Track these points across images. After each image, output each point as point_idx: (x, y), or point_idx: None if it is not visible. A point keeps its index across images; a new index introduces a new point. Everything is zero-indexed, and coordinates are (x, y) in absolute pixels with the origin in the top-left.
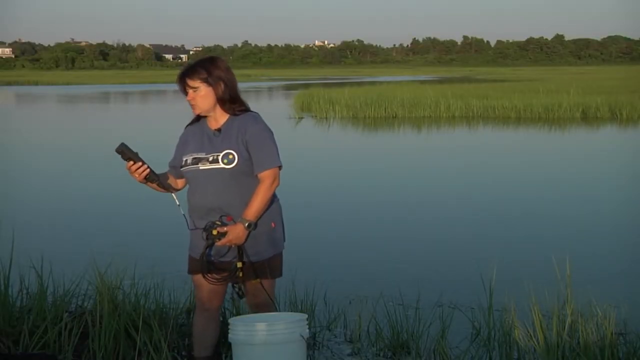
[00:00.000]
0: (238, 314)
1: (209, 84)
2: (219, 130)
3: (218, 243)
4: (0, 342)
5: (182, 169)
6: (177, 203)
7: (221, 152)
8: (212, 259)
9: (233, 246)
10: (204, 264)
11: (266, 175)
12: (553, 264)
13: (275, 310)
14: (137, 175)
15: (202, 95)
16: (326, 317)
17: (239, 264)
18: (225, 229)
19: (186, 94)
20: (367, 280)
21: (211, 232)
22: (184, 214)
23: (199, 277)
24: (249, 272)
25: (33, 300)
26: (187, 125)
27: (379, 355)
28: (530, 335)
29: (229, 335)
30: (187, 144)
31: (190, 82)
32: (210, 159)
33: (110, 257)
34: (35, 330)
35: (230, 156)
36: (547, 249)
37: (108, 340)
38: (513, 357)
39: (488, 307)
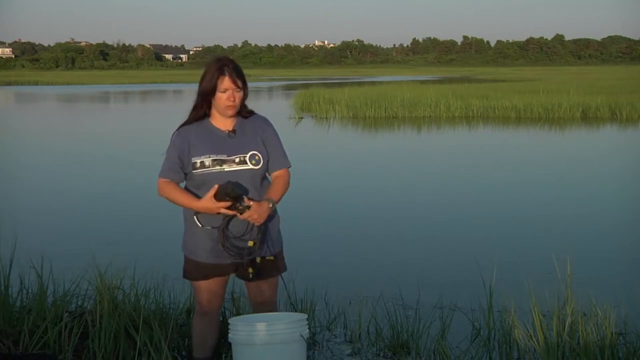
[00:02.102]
0: (238, 314)
1: (244, 87)
2: (233, 131)
3: (240, 216)
4: (0, 342)
5: (196, 172)
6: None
7: (247, 153)
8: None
9: (249, 228)
10: (225, 235)
11: (284, 172)
12: (553, 264)
13: (276, 308)
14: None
15: (241, 96)
16: (326, 317)
17: (251, 243)
18: (250, 202)
19: (215, 90)
20: (367, 280)
21: (241, 201)
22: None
23: (200, 282)
24: (261, 270)
25: (33, 300)
26: (181, 127)
27: (379, 355)
28: (530, 335)
29: (229, 335)
30: (194, 146)
31: (238, 83)
32: (237, 160)
33: (110, 257)
34: (35, 330)
35: (257, 157)
36: (547, 249)
37: (108, 340)
38: (513, 357)
39: (488, 307)
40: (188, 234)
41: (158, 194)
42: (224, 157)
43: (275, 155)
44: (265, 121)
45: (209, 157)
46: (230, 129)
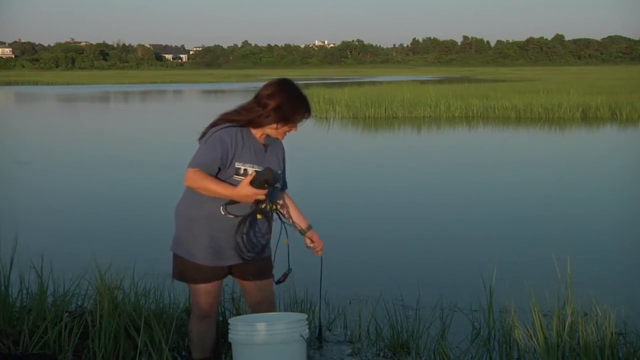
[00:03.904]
0: (238, 314)
1: None
2: (265, 146)
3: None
4: (0, 342)
5: (237, 177)
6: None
7: (277, 170)
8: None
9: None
10: (242, 231)
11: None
12: (553, 264)
13: (275, 305)
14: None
15: None
16: (326, 317)
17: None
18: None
19: (289, 121)
20: (367, 280)
21: (272, 194)
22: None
23: (200, 285)
24: (260, 270)
25: (33, 300)
26: (229, 127)
27: (379, 355)
28: (530, 335)
29: (229, 335)
30: (241, 151)
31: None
32: None
33: (110, 257)
34: (35, 330)
35: (281, 177)
36: (547, 249)
37: (108, 340)
38: (513, 357)
39: (488, 308)
40: (185, 235)
41: (187, 183)
42: (260, 169)
43: (284, 177)
44: (282, 144)
45: (252, 167)
46: (262, 142)
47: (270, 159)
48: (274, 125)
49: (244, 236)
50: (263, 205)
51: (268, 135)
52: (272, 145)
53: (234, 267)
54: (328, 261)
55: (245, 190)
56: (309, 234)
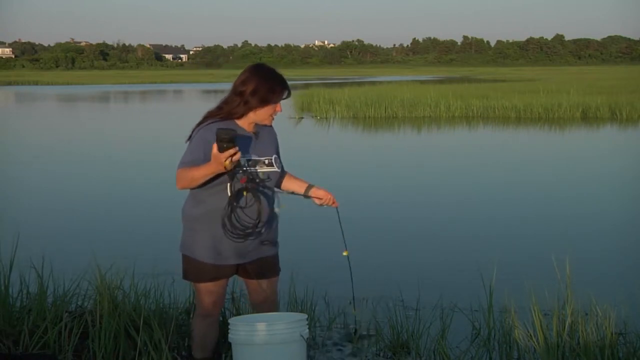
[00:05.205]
0: (238, 314)
1: None
2: (256, 134)
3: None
4: (0, 342)
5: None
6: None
7: (271, 156)
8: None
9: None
10: (232, 210)
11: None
12: (553, 264)
13: (277, 306)
14: (229, 163)
15: None
16: (326, 317)
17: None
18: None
19: (269, 102)
20: (367, 280)
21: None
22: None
23: (203, 284)
24: (261, 270)
25: (33, 300)
26: (210, 123)
27: (379, 355)
28: (530, 335)
29: (229, 335)
30: None
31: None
32: (267, 162)
33: (110, 257)
34: (35, 330)
35: (278, 161)
36: (547, 249)
37: (108, 340)
38: (513, 357)
39: (488, 307)
40: (189, 234)
41: (177, 185)
42: (255, 157)
43: (280, 160)
44: (273, 130)
45: (244, 156)
46: (252, 131)
47: (261, 146)
48: (254, 111)
49: (227, 218)
50: (228, 167)
51: (257, 124)
52: (263, 132)
53: (240, 266)
54: (327, 261)
55: (214, 158)
56: (312, 193)
